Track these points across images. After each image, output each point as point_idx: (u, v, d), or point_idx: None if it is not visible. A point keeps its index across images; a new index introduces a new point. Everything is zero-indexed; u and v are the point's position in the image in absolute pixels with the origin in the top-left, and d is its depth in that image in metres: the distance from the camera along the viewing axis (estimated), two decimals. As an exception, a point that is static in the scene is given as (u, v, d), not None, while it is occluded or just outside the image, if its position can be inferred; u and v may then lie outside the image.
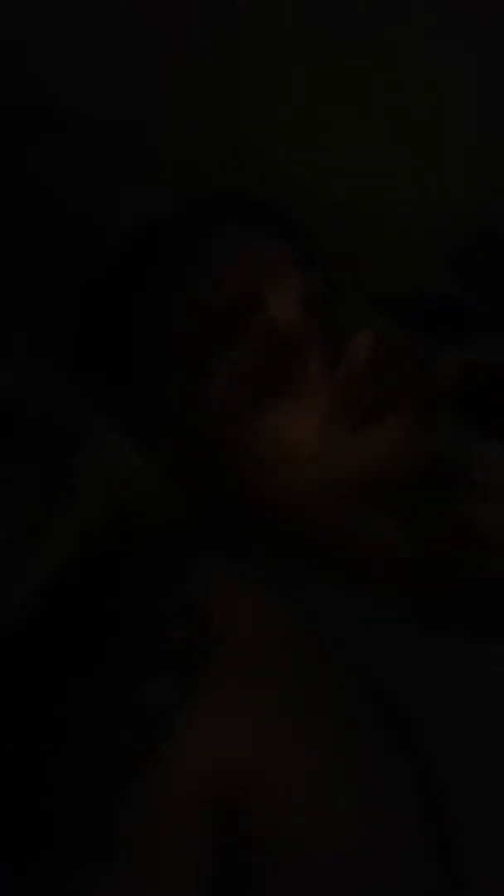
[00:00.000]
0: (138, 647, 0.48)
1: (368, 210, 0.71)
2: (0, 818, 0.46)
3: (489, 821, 0.48)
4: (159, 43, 0.72)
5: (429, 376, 0.59)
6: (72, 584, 0.54)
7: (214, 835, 0.45)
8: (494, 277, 0.72)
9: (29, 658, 0.51)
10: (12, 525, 0.64)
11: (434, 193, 0.72)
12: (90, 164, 0.69)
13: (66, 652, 0.49)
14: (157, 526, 0.59)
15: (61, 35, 0.71)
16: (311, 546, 0.57)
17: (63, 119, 0.69)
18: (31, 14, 0.70)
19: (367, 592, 0.56)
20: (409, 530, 0.57)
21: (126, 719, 0.46)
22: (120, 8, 0.71)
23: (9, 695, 0.49)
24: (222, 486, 0.59)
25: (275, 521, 0.57)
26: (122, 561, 0.54)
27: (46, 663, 0.50)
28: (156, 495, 0.60)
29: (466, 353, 0.61)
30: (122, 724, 0.46)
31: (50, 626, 0.51)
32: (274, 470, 0.57)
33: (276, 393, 0.57)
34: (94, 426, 0.62)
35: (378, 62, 0.69)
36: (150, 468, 0.60)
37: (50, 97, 0.69)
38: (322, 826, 0.46)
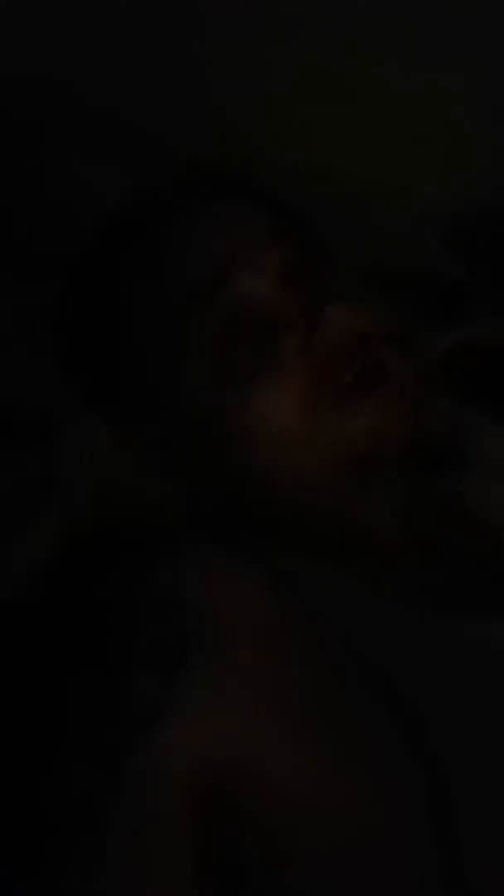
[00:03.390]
0: (125, 637, 0.47)
1: (363, 190, 0.70)
2: None
3: (491, 805, 0.47)
4: (156, 39, 0.72)
5: (418, 352, 0.58)
6: (58, 574, 0.54)
7: (205, 824, 0.44)
8: (492, 255, 0.71)
9: (14, 651, 0.50)
10: None
11: (431, 172, 0.71)
12: (73, 152, 0.70)
13: (53, 643, 0.49)
14: (143, 514, 0.59)
15: (59, 32, 0.71)
16: (301, 529, 0.56)
17: (52, 109, 0.70)
18: (28, 11, 0.70)
19: (361, 574, 0.55)
20: (402, 510, 0.56)
21: (113, 710, 0.45)
22: (119, 7, 0.71)
23: None
24: (208, 471, 0.58)
25: (263, 504, 0.56)
26: (109, 550, 0.53)
27: (32, 655, 0.49)
28: (141, 483, 0.59)
29: (462, 329, 0.60)
30: (109, 715, 0.45)
31: (37, 617, 0.51)
32: (257, 452, 0.56)
33: (254, 372, 0.56)
34: (75, 416, 0.61)
35: (377, 57, 0.68)
36: (133, 456, 0.60)
37: (41, 88, 0.70)
38: (315, 815, 0.45)
